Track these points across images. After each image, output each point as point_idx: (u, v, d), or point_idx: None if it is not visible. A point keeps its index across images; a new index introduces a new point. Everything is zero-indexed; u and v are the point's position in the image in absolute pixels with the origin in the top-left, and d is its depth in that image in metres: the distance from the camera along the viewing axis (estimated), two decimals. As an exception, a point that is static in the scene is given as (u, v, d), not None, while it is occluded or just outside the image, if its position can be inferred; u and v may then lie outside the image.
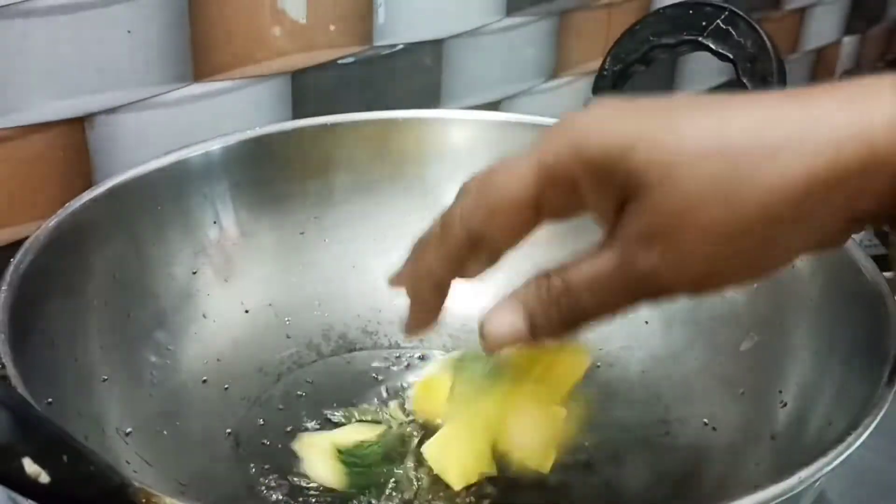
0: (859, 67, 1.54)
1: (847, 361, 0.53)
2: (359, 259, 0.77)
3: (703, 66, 1.29)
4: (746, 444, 0.58)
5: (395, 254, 0.81)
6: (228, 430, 0.61)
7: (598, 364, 0.70)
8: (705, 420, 0.62)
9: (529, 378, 0.54)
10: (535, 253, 0.77)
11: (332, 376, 0.69)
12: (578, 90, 1.11)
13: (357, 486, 0.57)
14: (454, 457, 0.55)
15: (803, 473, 0.38)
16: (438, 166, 0.77)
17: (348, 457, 0.57)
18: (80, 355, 0.57)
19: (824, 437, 0.50)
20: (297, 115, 0.83)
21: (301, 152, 0.74)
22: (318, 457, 0.58)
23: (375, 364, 0.70)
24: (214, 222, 0.70)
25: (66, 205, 0.60)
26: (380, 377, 0.68)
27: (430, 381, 0.62)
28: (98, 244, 0.61)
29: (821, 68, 1.60)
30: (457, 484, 0.55)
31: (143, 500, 0.36)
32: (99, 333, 0.60)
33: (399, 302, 0.78)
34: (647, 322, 0.71)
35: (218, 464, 0.59)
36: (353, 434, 0.59)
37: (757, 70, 0.67)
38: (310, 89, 0.85)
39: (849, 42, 1.66)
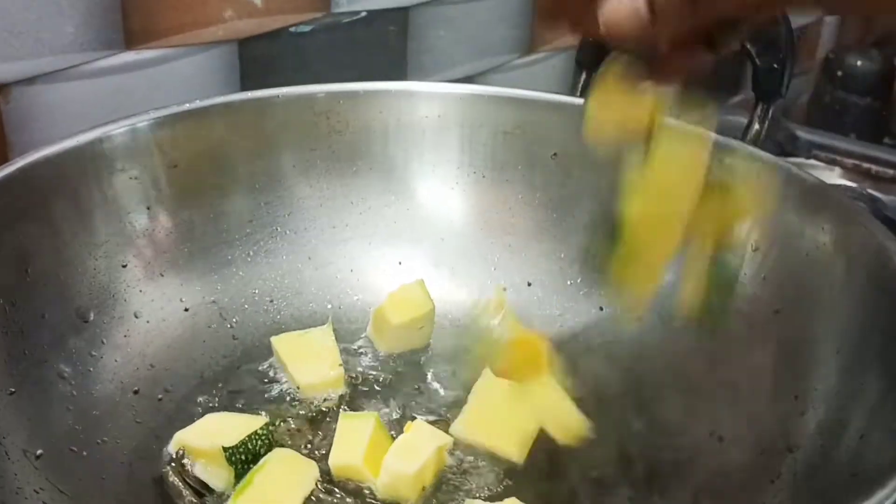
0: (841, 47, 1.48)
1: (880, 366, 0.46)
2: (315, 250, 0.68)
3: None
4: (758, 456, 0.51)
5: (356, 243, 0.73)
6: (166, 450, 0.53)
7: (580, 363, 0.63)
8: (711, 428, 0.54)
9: None
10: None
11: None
12: (555, 66, 1.03)
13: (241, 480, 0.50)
14: None
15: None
16: (404, 144, 0.69)
17: (233, 453, 0.50)
18: (-22, 365, 0.48)
19: (859, 453, 0.43)
20: (245, 89, 0.74)
21: (247, 129, 0.65)
22: (204, 457, 0.51)
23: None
24: (148, 208, 0.61)
25: (-34, 186, 0.51)
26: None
27: None
28: (5, 232, 0.52)
29: (803, 47, 1.54)
30: None
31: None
32: (4, 338, 0.50)
33: (361, 297, 0.70)
34: (638, 318, 0.63)
35: (148, 489, 0.51)
36: (239, 427, 0.52)
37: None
38: (260, 60, 0.76)
39: (830, 21, 1.61)
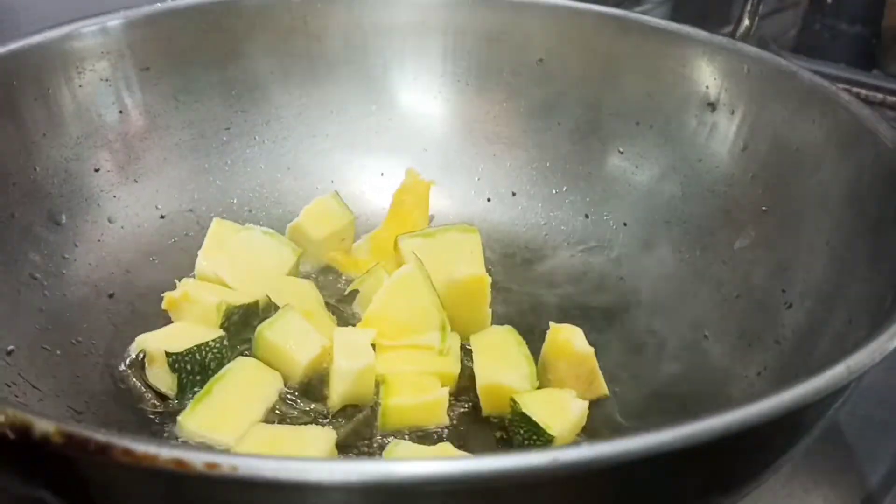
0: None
1: (871, 251, 0.45)
2: (295, 160, 0.67)
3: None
4: (745, 351, 0.50)
5: (337, 154, 0.71)
6: (140, 352, 0.51)
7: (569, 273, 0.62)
8: (696, 327, 0.54)
9: None
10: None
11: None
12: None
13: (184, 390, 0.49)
14: None
15: (852, 361, 0.30)
16: (384, 49, 0.67)
17: (177, 361, 0.49)
18: (-56, 259, 0.47)
19: (848, 337, 0.42)
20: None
21: (222, 32, 0.63)
22: (156, 362, 0.49)
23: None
24: (120, 112, 0.60)
25: (-74, 79, 0.49)
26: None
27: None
28: (-30, 129, 0.51)
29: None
30: None
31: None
32: (-29, 236, 0.49)
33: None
34: (625, 224, 0.62)
35: (123, 390, 0.50)
36: (200, 337, 0.50)
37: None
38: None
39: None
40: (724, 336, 0.52)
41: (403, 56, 0.67)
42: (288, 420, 0.48)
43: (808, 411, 0.31)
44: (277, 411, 0.49)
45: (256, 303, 0.54)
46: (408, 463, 0.26)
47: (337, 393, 0.49)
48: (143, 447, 0.25)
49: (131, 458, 0.25)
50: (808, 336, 0.46)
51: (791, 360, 0.46)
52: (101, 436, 0.25)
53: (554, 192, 0.65)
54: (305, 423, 0.48)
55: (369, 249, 0.62)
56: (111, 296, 0.55)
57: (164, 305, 0.54)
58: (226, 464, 0.25)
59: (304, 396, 0.50)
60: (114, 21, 0.58)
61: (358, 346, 0.50)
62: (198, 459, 0.25)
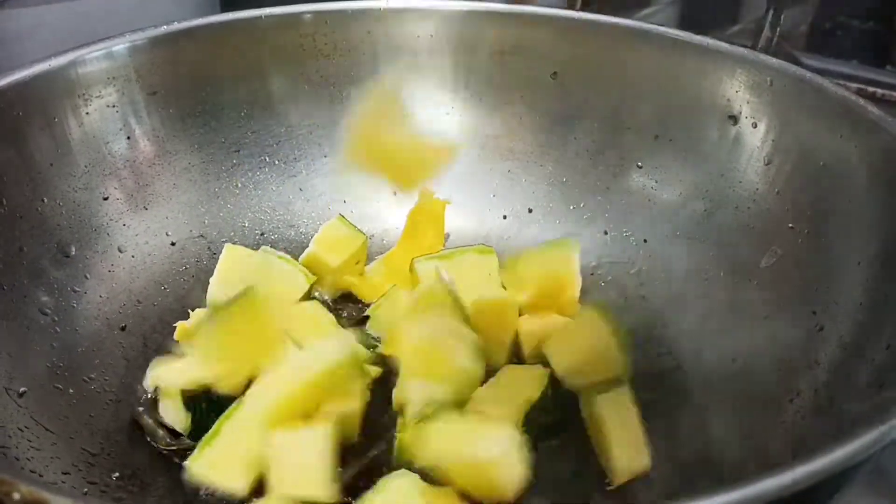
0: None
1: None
2: (306, 180, 0.66)
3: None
4: (776, 375, 0.48)
5: (350, 173, 0.71)
6: (155, 389, 0.50)
7: (587, 290, 0.60)
8: (723, 349, 0.52)
9: None
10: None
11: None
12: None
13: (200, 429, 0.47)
14: None
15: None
16: (396, 66, 0.65)
17: (192, 398, 0.47)
18: (-48, 300, 0.45)
19: (884, 364, 0.40)
20: (226, 9, 0.70)
21: (232, 53, 0.62)
22: (169, 398, 0.48)
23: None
24: (128, 138, 0.58)
25: (-71, 113, 0.47)
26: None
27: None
28: (-25, 163, 0.49)
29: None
30: None
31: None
32: (-21, 273, 0.48)
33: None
34: (646, 241, 0.61)
35: (136, 427, 0.48)
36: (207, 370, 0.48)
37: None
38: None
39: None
40: (754, 359, 0.50)
41: (415, 70, 0.66)
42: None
43: (856, 466, 0.29)
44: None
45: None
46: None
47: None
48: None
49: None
50: (842, 361, 0.45)
51: (828, 388, 0.45)
52: (121, 514, 0.24)
53: (571, 207, 0.64)
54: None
55: (384, 272, 0.61)
56: (123, 328, 0.54)
57: (176, 336, 0.52)
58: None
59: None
60: (119, 45, 0.57)
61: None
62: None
